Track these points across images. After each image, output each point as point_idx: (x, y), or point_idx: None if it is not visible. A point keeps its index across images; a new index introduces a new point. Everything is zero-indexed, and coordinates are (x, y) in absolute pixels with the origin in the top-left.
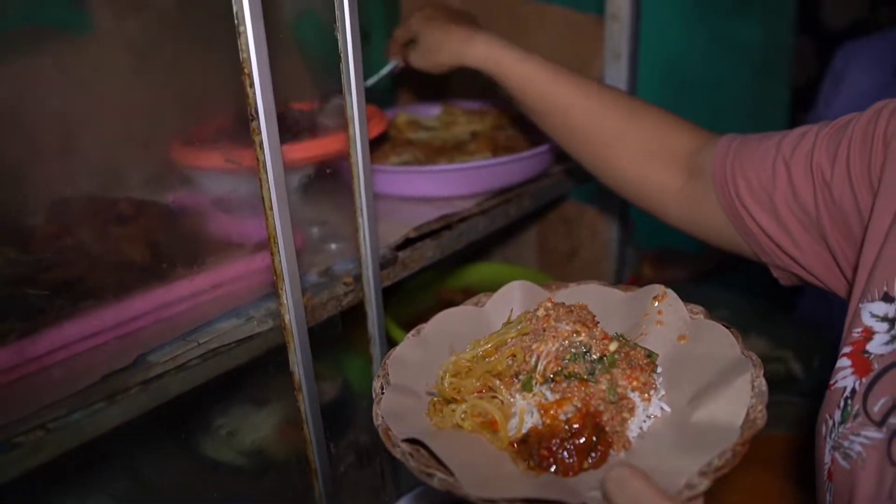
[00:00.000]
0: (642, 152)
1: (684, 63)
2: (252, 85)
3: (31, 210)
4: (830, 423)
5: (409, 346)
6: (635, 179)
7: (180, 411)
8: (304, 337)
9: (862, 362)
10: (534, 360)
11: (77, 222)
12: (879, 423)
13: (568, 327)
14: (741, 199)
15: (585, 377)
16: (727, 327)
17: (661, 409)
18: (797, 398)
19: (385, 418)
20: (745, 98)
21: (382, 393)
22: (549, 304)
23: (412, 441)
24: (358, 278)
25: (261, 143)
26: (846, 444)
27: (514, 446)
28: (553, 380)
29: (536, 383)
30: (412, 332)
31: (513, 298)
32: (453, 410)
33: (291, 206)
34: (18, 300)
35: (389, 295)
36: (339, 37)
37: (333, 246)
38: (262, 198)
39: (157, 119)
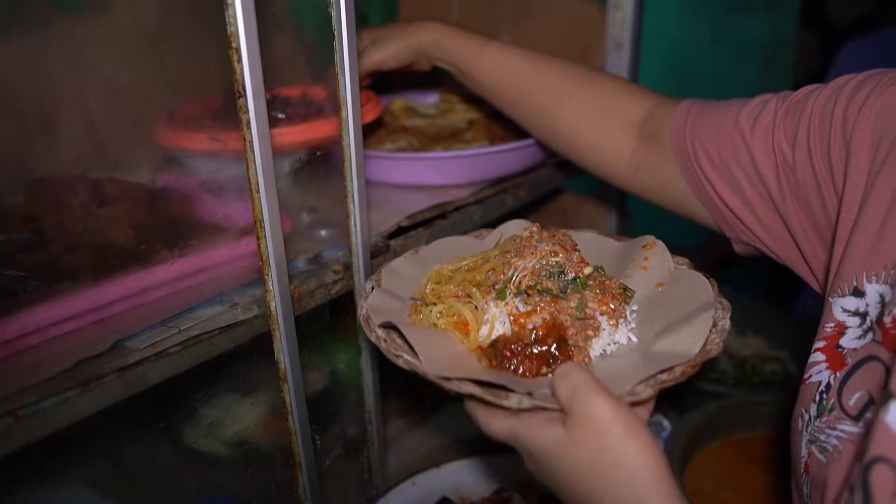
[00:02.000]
0: (591, 113)
1: (688, 58)
2: (240, 60)
3: (10, 189)
4: (806, 417)
5: (405, 261)
6: (587, 143)
7: (161, 400)
8: (290, 326)
9: (836, 357)
10: (511, 272)
11: (57, 203)
12: (856, 418)
13: (547, 247)
14: (703, 170)
15: (557, 293)
16: (707, 277)
17: (629, 338)
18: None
19: (368, 310)
20: (748, 93)
21: (371, 292)
22: (535, 228)
23: (389, 331)
24: (348, 266)
25: (248, 122)
26: (822, 437)
27: (482, 349)
28: (526, 293)
29: (510, 293)
30: (411, 251)
31: (511, 233)
32: (430, 311)
33: (281, 191)
34: None
35: None
36: (333, 13)
37: (323, 233)
38: (249, 180)
39: (143, 99)
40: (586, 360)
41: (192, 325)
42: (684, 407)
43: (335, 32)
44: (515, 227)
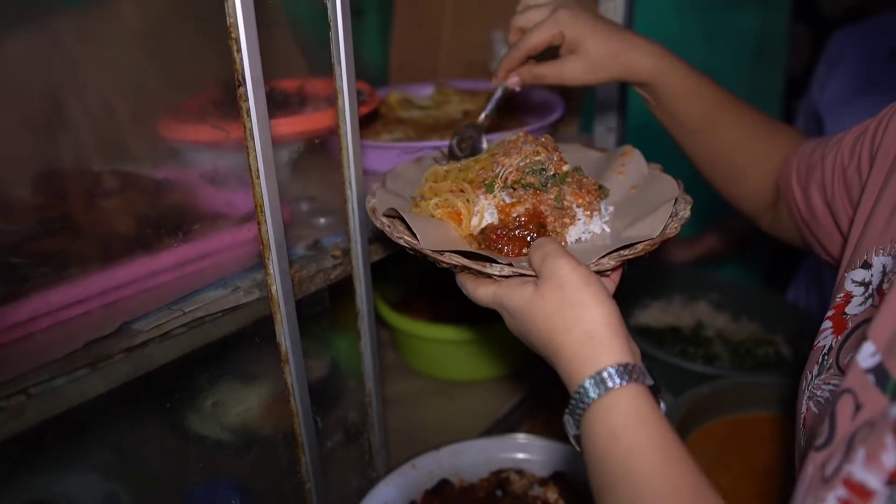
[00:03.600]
0: (758, 166)
1: (680, 52)
2: (239, 50)
3: (17, 182)
4: (809, 377)
5: (409, 166)
6: (745, 192)
7: (167, 383)
8: (290, 308)
9: (840, 323)
10: (498, 169)
11: (63, 194)
12: (846, 372)
13: (531, 148)
14: (792, 192)
15: (538, 187)
16: (675, 178)
17: (602, 228)
18: (788, 380)
19: (374, 204)
20: (741, 86)
21: (376, 190)
22: (522, 133)
23: (393, 219)
24: (346, 252)
25: (248, 110)
26: (819, 392)
27: (472, 235)
28: (512, 187)
29: (498, 187)
30: (415, 158)
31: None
32: (428, 203)
33: (281, 180)
34: (1, 268)
35: (379, 273)
36: (329, 5)
37: (322, 220)
38: (249, 166)
39: (145, 92)
40: (563, 243)
41: (195, 307)
42: (680, 389)
43: (331, 24)
44: None
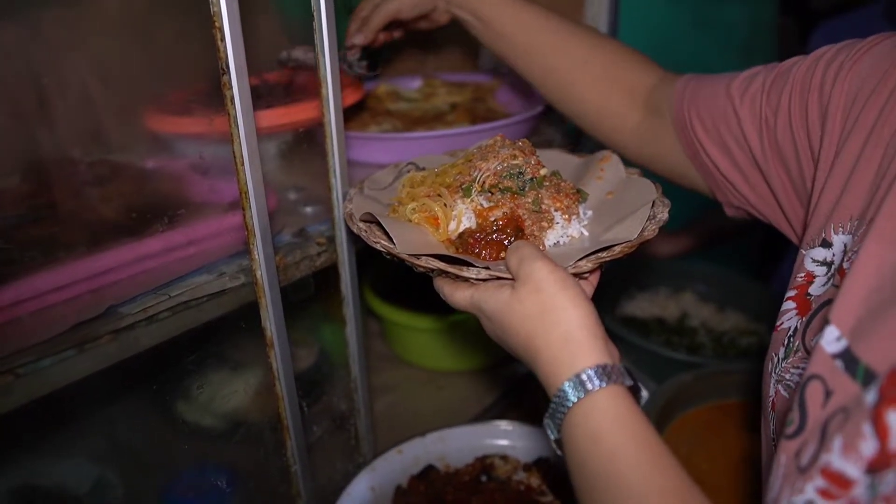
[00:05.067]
0: (603, 81)
1: (669, 44)
2: (223, 39)
3: (7, 171)
4: (775, 359)
5: (386, 172)
6: (596, 109)
7: (155, 368)
8: (275, 294)
9: (804, 304)
10: (476, 173)
11: (51, 183)
12: (811, 357)
13: (508, 152)
14: (697, 136)
15: (516, 191)
16: (653, 182)
17: (581, 232)
18: None
19: (352, 208)
20: None
21: (353, 195)
22: (500, 137)
23: (370, 224)
24: (331, 239)
25: (231, 98)
26: (787, 376)
27: (450, 240)
28: (489, 191)
29: (475, 192)
30: (392, 165)
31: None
32: (405, 208)
33: (269, 171)
34: None
35: (369, 263)
36: None
37: (309, 209)
38: (234, 153)
39: (132, 84)
40: (541, 247)
41: (181, 292)
42: (663, 378)
43: (314, 14)
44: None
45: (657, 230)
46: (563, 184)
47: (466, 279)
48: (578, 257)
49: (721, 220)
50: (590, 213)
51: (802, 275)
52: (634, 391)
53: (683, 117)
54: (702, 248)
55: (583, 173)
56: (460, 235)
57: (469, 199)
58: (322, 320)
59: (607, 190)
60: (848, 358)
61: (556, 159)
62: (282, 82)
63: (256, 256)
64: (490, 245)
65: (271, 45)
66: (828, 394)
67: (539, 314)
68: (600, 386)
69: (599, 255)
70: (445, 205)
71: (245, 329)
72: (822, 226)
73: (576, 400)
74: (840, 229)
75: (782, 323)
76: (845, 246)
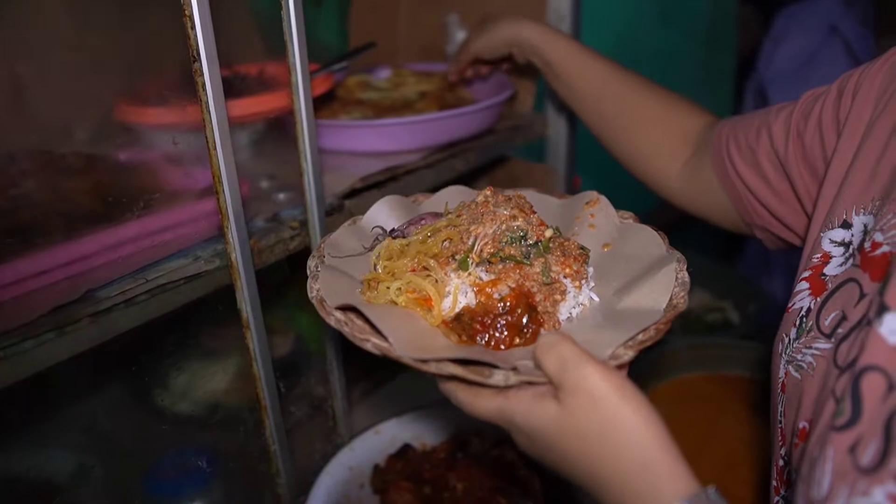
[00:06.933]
0: (660, 126)
1: (634, 36)
2: (193, 27)
3: None
4: (786, 340)
5: (345, 231)
6: (650, 152)
7: (134, 352)
8: (250, 275)
9: (819, 284)
10: (471, 240)
11: (25, 175)
12: (829, 335)
13: (506, 212)
14: (732, 163)
15: (521, 259)
16: (655, 230)
17: (591, 298)
18: (743, 342)
19: (320, 291)
20: (694, 67)
21: (318, 270)
22: (489, 192)
23: (348, 312)
24: (304, 223)
25: (203, 84)
26: (799, 357)
27: (447, 324)
28: (489, 261)
29: (472, 263)
30: (349, 220)
31: (450, 198)
32: (388, 287)
33: (243, 160)
34: None
35: None
36: None
37: (282, 196)
38: (207, 138)
39: (105, 77)
40: (556, 325)
41: (158, 275)
42: None
43: (282, 2)
44: (456, 193)
45: (686, 296)
46: (566, 243)
47: (493, 386)
48: (615, 344)
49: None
50: (591, 269)
51: (818, 255)
52: None
53: (721, 148)
54: (668, 231)
55: (568, 218)
56: (458, 318)
57: (465, 273)
58: (298, 306)
59: (603, 241)
60: None
61: (534, 202)
62: (253, 74)
63: (231, 239)
64: (504, 329)
65: (242, 35)
66: (891, 387)
67: (599, 433)
68: None
69: (638, 338)
70: (437, 281)
71: (222, 312)
72: (844, 208)
73: None
74: (861, 210)
75: (794, 303)
76: (865, 226)
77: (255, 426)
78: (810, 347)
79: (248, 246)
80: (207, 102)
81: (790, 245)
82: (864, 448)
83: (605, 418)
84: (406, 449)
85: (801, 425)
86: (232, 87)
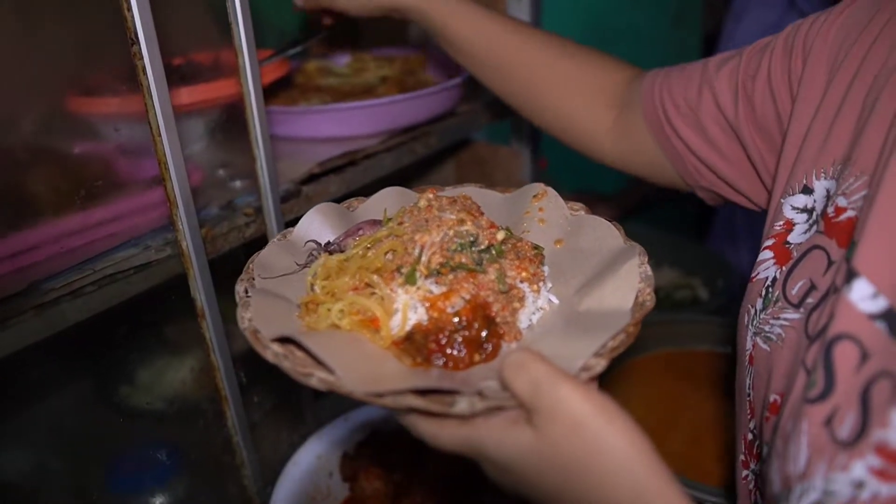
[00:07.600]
0: (572, 87)
1: (602, 15)
2: (129, 9)
3: None
4: (752, 311)
5: (275, 248)
6: (567, 115)
7: (86, 347)
8: (203, 263)
9: (783, 252)
10: (417, 251)
11: None
12: (797, 305)
13: (453, 216)
14: (670, 122)
15: (473, 267)
16: (609, 221)
17: (550, 301)
18: (711, 317)
19: (253, 321)
20: (661, 46)
21: (248, 296)
22: (431, 195)
23: (286, 343)
24: (259, 210)
25: (143, 68)
26: (767, 328)
27: (397, 345)
28: (438, 272)
29: (421, 276)
30: (278, 235)
31: (388, 202)
32: (328, 309)
33: (197, 150)
34: None
35: None
36: None
37: (238, 184)
38: (150, 124)
39: (51, 67)
40: (517, 335)
41: (106, 265)
42: None
43: None
44: (394, 195)
45: (652, 292)
46: (519, 244)
47: (457, 416)
48: (586, 355)
49: (648, 188)
50: (546, 268)
51: (781, 223)
52: None
53: (654, 105)
54: (634, 213)
55: (515, 213)
56: (410, 337)
57: (414, 287)
58: None
59: (555, 237)
60: (892, 319)
61: (475, 198)
62: (207, 62)
63: (181, 227)
64: (462, 347)
65: (195, 22)
66: (864, 356)
67: (583, 462)
68: None
69: (609, 345)
70: (383, 299)
71: (176, 302)
72: (804, 172)
73: None
74: (822, 175)
75: (758, 273)
76: (828, 191)
77: (217, 417)
78: (778, 318)
79: (200, 234)
80: (149, 87)
81: (736, 204)
82: (840, 420)
83: (588, 444)
84: (375, 434)
85: (771, 398)
86: (186, 75)
